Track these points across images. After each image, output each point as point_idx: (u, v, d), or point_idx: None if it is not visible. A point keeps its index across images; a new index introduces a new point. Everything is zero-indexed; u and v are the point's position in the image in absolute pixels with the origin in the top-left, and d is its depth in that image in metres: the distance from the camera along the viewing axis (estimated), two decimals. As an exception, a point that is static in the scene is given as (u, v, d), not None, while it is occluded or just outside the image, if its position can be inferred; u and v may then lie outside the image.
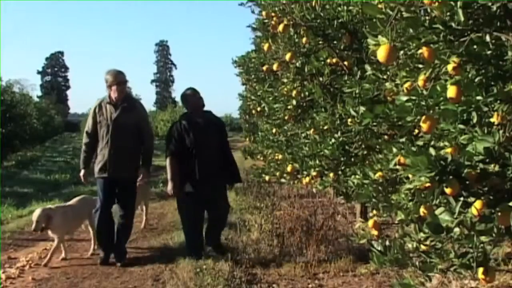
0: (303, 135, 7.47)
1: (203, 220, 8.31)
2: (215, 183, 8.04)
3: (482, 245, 3.27)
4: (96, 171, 8.26)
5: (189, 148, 7.97)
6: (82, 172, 8.47)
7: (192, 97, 8.28)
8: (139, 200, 9.97)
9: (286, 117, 8.18)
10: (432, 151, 3.27)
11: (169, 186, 8.04)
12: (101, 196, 8.23)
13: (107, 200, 8.23)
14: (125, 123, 8.08)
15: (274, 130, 10.15)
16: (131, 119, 8.13)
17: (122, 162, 8.10)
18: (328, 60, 6.97)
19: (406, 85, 3.81)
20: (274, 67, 7.45)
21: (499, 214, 3.09)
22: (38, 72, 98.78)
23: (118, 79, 8.16)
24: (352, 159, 6.14)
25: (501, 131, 3.24)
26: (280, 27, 6.41)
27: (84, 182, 8.75)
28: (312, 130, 6.87)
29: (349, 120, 5.59)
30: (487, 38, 3.36)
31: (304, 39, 6.70)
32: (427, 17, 3.32)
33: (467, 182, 3.22)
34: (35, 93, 79.95)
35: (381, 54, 3.04)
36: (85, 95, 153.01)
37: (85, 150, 8.47)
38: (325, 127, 6.51)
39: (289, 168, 7.71)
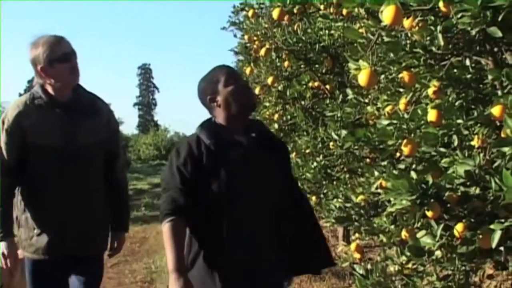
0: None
1: None
2: (268, 276, 3.36)
3: (464, 267, 3.29)
4: (29, 245, 3.91)
5: (216, 199, 3.28)
6: (4, 247, 3.83)
7: (227, 88, 3.36)
8: None
9: (268, 141, 8.17)
10: (413, 174, 3.29)
11: (174, 284, 3.06)
12: None
13: None
14: (88, 143, 3.92)
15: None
16: (97, 134, 3.98)
17: (87, 225, 3.94)
18: (310, 84, 7.01)
19: (388, 108, 3.84)
20: (256, 91, 7.47)
21: (481, 236, 3.10)
22: (20, 95, 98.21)
23: (63, 49, 3.82)
24: (334, 183, 6.15)
25: (481, 154, 3.27)
26: (262, 51, 6.44)
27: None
28: (294, 153, 6.88)
29: (331, 143, 5.61)
30: (467, 62, 3.41)
31: (286, 63, 6.73)
32: (407, 42, 3.36)
33: (448, 205, 3.24)
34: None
35: (362, 78, 3.07)
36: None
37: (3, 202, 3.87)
38: (307, 151, 6.53)
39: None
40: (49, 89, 3.87)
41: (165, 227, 3.16)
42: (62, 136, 3.84)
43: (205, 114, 3.48)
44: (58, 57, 3.77)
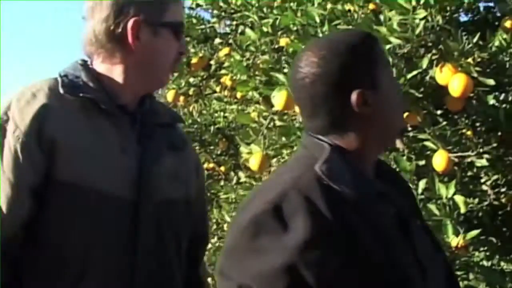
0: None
1: None
2: None
3: None
4: None
5: None
6: None
7: (394, 78, 1.57)
8: None
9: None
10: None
11: None
12: None
13: None
14: (174, 201, 1.77)
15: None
16: (184, 186, 1.83)
17: None
18: (205, 165, 6.98)
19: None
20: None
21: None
22: None
23: (179, 16, 1.80)
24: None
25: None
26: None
27: None
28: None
29: (225, 225, 5.58)
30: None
31: (181, 145, 6.69)
32: (299, 126, 3.41)
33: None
34: None
35: (253, 163, 3.09)
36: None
37: None
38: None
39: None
40: (116, 77, 1.75)
41: None
42: (129, 176, 1.69)
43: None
44: (171, 23, 1.76)
